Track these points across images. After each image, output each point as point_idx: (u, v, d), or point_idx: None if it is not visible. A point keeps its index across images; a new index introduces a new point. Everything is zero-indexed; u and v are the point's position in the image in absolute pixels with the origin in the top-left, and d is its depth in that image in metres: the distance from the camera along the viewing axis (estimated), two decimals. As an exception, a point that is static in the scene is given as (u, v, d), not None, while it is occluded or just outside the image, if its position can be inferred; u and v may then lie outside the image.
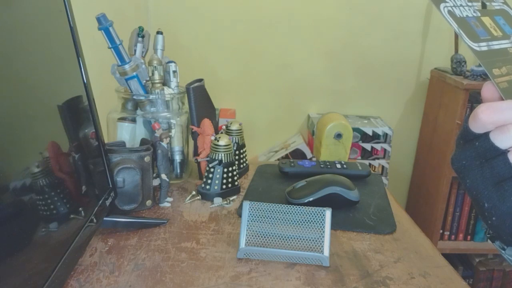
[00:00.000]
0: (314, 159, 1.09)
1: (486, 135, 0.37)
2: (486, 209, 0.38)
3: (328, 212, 0.56)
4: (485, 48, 0.40)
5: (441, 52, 1.69)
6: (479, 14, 0.43)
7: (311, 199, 0.69)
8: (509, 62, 0.41)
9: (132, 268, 0.54)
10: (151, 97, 0.77)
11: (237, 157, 0.82)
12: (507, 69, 0.40)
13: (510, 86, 0.39)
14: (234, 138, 0.80)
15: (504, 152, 0.36)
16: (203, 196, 0.74)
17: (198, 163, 0.79)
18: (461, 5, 0.42)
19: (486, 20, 0.43)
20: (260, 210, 0.57)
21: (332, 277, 0.54)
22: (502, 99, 0.37)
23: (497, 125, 0.36)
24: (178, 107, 0.81)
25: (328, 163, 0.84)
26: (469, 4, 0.43)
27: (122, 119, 0.78)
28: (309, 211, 0.57)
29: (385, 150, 1.61)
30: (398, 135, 1.76)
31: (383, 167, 1.63)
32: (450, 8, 0.41)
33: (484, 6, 0.44)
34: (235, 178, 0.76)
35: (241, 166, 0.84)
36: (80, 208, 0.51)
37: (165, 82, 0.80)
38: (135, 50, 0.79)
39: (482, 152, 0.37)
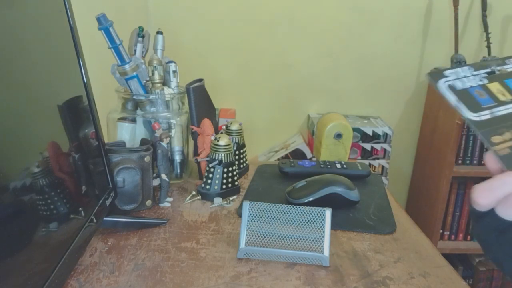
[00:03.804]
0: (314, 159, 1.09)
1: (492, 211, 0.38)
2: None
3: (328, 212, 0.56)
4: (487, 117, 0.39)
5: (441, 52, 1.69)
6: (486, 82, 0.42)
7: (311, 199, 0.69)
8: None
9: (132, 268, 0.54)
10: (151, 97, 0.77)
11: (237, 157, 0.82)
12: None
13: None
14: (234, 138, 0.80)
15: None
16: (203, 196, 0.74)
17: (198, 163, 0.79)
18: (465, 76, 0.41)
19: (494, 86, 0.42)
20: (260, 210, 0.57)
21: (332, 277, 0.54)
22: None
23: (498, 201, 0.37)
24: (178, 107, 0.81)
25: (328, 163, 0.84)
26: (475, 73, 0.42)
27: (122, 119, 0.78)
28: (309, 211, 0.57)
29: (385, 150, 1.61)
30: (398, 135, 1.76)
31: (383, 167, 1.63)
32: (451, 83, 0.40)
33: (492, 72, 0.42)
34: (235, 178, 0.76)
35: (241, 166, 0.84)
36: (80, 208, 0.51)
37: (165, 82, 0.80)
38: (135, 50, 0.79)
39: (495, 226, 0.39)
